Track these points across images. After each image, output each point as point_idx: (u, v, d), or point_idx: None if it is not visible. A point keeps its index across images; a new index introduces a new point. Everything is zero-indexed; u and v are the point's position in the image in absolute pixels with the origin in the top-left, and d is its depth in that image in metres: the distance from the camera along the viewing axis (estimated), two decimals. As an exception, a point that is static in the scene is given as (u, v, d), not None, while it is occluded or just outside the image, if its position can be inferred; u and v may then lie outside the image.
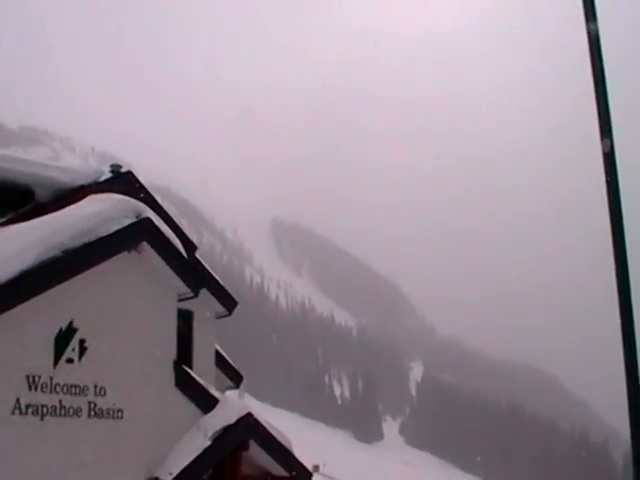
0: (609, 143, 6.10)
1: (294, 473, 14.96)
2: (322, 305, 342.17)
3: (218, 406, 13.66)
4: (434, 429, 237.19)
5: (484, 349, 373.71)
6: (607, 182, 6.06)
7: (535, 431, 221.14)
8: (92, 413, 11.67)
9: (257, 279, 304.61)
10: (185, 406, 13.27)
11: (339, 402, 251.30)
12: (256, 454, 14.20)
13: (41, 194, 13.56)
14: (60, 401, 11.23)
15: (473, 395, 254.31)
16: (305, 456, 15.61)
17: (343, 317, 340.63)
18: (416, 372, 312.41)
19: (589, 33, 6.34)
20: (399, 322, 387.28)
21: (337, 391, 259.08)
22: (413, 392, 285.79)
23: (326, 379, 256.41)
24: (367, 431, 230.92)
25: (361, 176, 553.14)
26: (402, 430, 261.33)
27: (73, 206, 12.41)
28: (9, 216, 13.18)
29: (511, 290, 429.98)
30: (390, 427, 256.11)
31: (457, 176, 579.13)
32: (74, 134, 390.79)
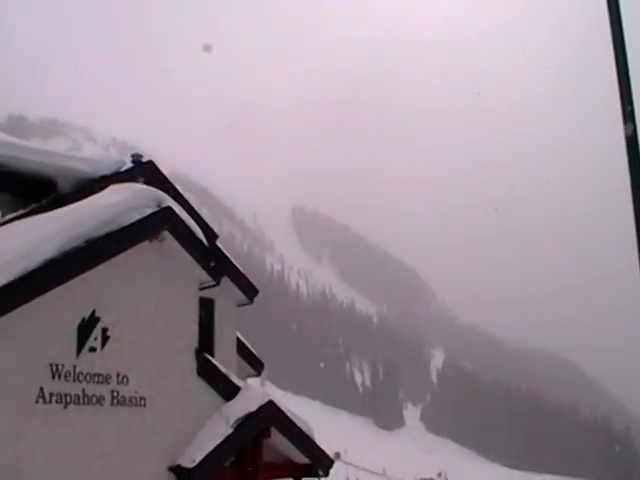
0: (632, 127, 6.03)
1: (315, 460, 15.00)
2: (343, 293, 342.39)
3: (240, 394, 13.71)
4: (455, 416, 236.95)
5: (505, 336, 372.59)
6: (630, 166, 5.97)
7: (557, 418, 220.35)
8: (115, 401, 11.75)
9: (277, 267, 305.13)
10: (207, 394, 13.34)
11: (360, 390, 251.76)
12: (278, 441, 14.26)
13: (63, 185, 13.65)
14: (83, 390, 11.30)
15: (494, 382, 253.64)
16: (326, 443, 15.68)
17: (364, 305, 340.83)
18: (437, 359, 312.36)
19: (612, 18, 6.25)
20: (420, 309, 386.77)
21: (358, 379, 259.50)
22: (434, 379, 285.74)
23: (347, 367, 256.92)
24: (388, 418, 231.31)
25: (381, 164, 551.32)
26: (423, 417, 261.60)
27: (95, 196, 12.46)
28: (32, 207, 13.28)
29: (532, 277, 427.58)
30: (411, 414, 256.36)
31: (480, 164, 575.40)
32: (95, 125, 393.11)
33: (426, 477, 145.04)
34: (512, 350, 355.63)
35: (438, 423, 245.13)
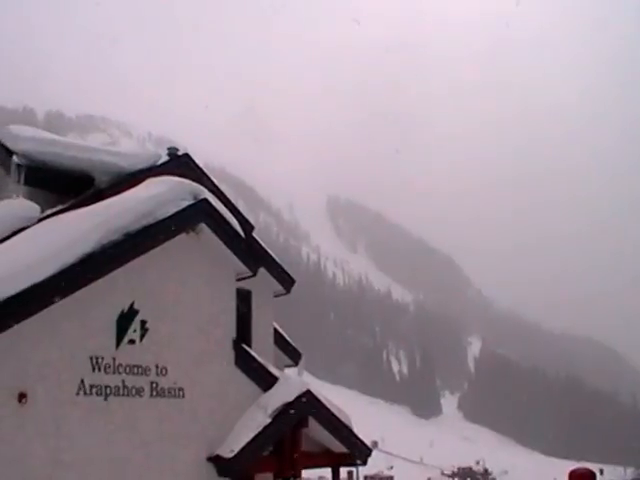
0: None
1: (354, 449, 15.01)
2: (379, 281, 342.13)
3: (277, 384, 13.76)
4: (493, 404, 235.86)
5: (543, 322, 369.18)
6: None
7: (595, 405, 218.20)
8: (154, 392, 11.87)
9: (314, 257, 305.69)
10: (245, 384, 13.41)
11: (397, 378, 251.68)
12: (315, 431, 14.28)
13: (100, 179, 13.75)
14: (123, 381, 11.44)
15: (532, 369, 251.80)
16: (364, 432, 15.69)
17: (400, 293, 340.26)
18: (474, 347, 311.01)
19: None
20: (456, 296, 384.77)
21: (395, 367, 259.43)
22: (471, 367, 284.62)
23: (384, 355, 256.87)
24: (425, 407, 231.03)
25: (414, 151, 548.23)
26: (460, 405, 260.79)
27: (132, 190, 12.55)
28: (70, 202, 13.40)
29: (570, 262, 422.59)
30: (448, 402, 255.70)
31: (513, 145, 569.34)
32: (131, 120, 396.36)
33: (464, 466, 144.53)
34: (550, 336, 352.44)
35: (476, 411, 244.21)
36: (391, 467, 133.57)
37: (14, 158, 13.42)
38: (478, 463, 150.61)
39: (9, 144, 13.88)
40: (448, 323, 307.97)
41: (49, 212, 13.01)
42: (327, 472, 15.63)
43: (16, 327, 10.00)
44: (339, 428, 14.59)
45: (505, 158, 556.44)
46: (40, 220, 12.66)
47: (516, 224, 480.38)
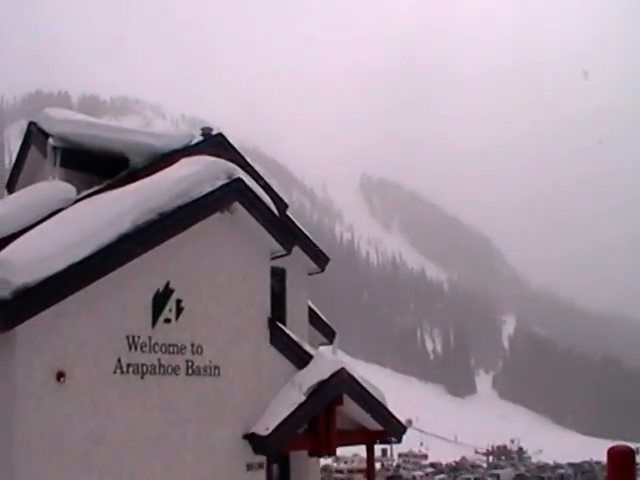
0: None
1: (388, 427, 15.02)
2: (413, 260, 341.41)
3: (312, 362, 13.81)
4: (528, 383, 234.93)
5: (579, 301, 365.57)
6: None
7: (632, 384, 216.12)
8: (190, 371, 12.00)
9: (347, 236, 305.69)
10: (280, 362, 13.50)
11: (431, 356, 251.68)
12: (350, 409, 14.32)
13: (135, 160, 13.84)
14: (159, 360, 11.58)
15: (567, 348, 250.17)
16: (398, 411, 15.68)
17: (434, 271, 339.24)
18: (509, 325, 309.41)
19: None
20: (491, 275, 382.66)
21: (429, 346, 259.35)
22: (506, 345, 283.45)
23: (418, 334, 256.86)
24: (460, 385, 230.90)
25: (447, 129, 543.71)
26: (495, 384, 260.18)
27: (166, 170, 12.62)
28: (105, 183, 13.51)
29: (607, 240, 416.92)
30: (483, 381, 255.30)
31: (549, 122, 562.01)
32: (164, 102, 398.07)
33: (499, 444, 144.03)
34: (587, 315, 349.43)
35: (510, 390, 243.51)
36: (421, 444, 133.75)
37: (50, 141, 13.59)
38: (513, 442, 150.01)
39: (45, 127, 14.05)
40: (482, 302, 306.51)
41: (85, 193, 13.14)
42: (361, 450, 15.69)
43: (55, 307, 10.17)
44: (374, 406, 14.61)
45: (539, 138, 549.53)
46: (76, 202, 12.78)
47: (551, 202, 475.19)
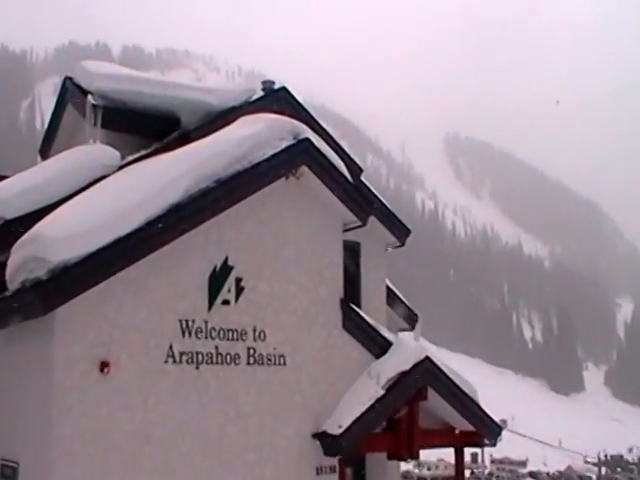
0: None
1: (481, 427, 14.95)
2: (507, 232, 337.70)
3: (391, 350, 13.84)
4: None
5: None
6: None
7: None
8: (251, 360, 12.14)
9: (430, 205, 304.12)
10: (354, 350, 13.57)
11: (530, 346, 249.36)
12: (436, 405, 14.30)
13: (187, 120, 14.01)
14: (216, 347, 11.73)
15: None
16: (491, 408, 15.62)
17: (533, 245, 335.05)
18: (624, 310, 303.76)
19: None
20: (602, 250, 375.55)
21: (527, 333, 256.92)
22: (621, 334, 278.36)
23: (514, 319, 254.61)
24: (564, 381, 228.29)
25: (545, 81, 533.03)
26: (608, 380, 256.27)
27: (223, 131, 12.74)
28: (154, 146, 13.70)
29: None
30: (593, 376, 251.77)
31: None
32: (218, 53, 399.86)
33: (613, 453, 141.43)
34: None
35: (627, 387, 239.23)
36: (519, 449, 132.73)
37: (89, 98, 13.77)
38: (631, 451, 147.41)
39: (83, 83, 14.23)
40: (592, 282, 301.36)
41: (130, 158, 13.36)
42: (447, 454, 15.65)
43: (98, 287, 10.31)
44: (464, 402, 14.55)
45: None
46: (121, 167, 13.03)
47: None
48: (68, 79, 14.73)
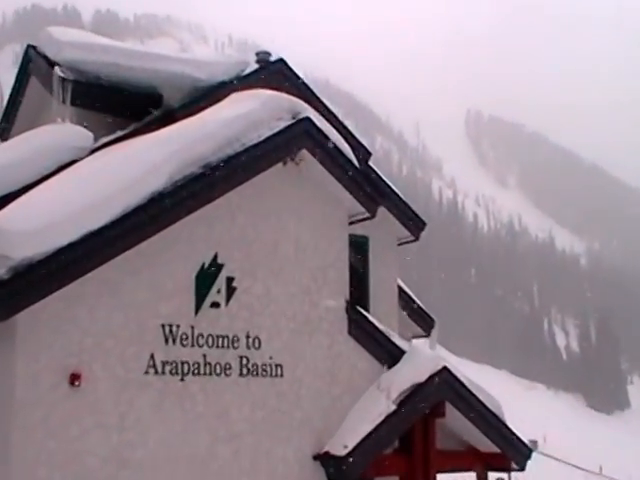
0: None
1: (507, 449, 14.98)
2: (537, 225, 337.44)
3: (404, 359, 13.93)
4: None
5: None
6: None
7: None
8: (244, 370, 12.20)
9: (448, 194, 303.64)
10: (361, 359, 13.68)
11: (564, 356, 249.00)
12: (455, 423, 14.39)
13: (171, 96, 14.06)
14: (204, 356, 11.77)
15: None
16: (518, 428, 15.66)
17: (567, 240, 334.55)
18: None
19: None
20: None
21: (560, 341, 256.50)
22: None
23: (545, 325, 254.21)
24: (605, 397, 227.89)
25: (579, 53, 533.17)
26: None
27: (212, 109, 12.81)
28: (132, 127, 13.74)
29: None
30: (638, 391, 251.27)
31: None
32: (205, 20, 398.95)
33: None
34: None
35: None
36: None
37: (57, 70, 13.72)
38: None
39: (49, 52, 14.15)
40: (637, 282, 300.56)
41: (105, 140, 13.39)
42: (468, 478, 15.72)
43: (67, 288, 10.25)
44: (488, 419, 14.62)
45: None
46: (93, 151, 13.03)
47: None
48: (31, 48, 14.69)
